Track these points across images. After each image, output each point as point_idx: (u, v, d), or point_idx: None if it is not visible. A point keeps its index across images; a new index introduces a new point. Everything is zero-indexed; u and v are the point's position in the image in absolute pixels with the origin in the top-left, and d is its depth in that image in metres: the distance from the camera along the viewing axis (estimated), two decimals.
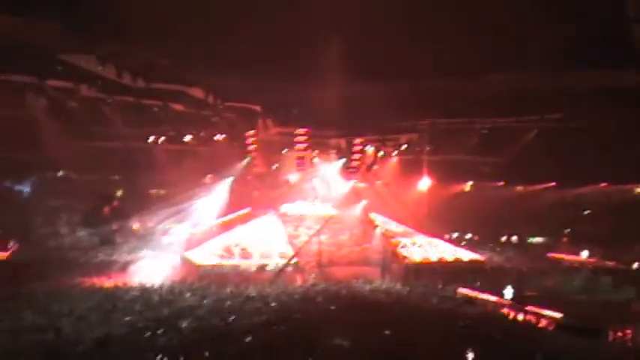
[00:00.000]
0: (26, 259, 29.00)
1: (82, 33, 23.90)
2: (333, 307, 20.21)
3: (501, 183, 43.46)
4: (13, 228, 32.86)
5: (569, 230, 39.50)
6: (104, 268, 27.48)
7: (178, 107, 32.12)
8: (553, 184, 41.56)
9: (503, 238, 40.45)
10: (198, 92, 30.44)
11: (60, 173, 38.06)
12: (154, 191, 38.02)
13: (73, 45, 25.14)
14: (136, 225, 36.32)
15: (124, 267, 27.65)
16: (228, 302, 20.75)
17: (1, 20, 22.03)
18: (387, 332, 16.10)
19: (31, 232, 33.19)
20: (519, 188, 43.63)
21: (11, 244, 30.92)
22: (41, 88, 28.35)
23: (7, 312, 17.91)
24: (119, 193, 37.73)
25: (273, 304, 20.51)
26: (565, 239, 38.20)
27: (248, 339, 15.19)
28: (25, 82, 28.26)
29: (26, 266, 27.15)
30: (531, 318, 18.72)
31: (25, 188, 37.18)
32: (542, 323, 18.21)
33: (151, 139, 35.21)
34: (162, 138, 35.03)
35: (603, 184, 40.23)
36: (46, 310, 18.42)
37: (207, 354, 13.57)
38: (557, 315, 18.38)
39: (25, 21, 22.53)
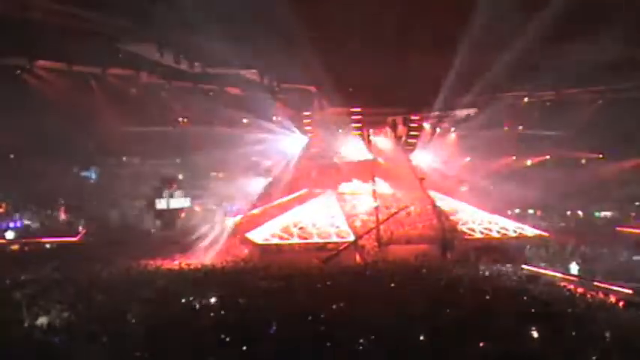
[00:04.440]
0: (95, 242, 30.14)
1: (144, 23, 24.34)
2: (392, 285, 20.14)
3: (565, 156, 42.16)
4: (81, 213, 34.20)
5: (638, 204, 38.01)
6: (168, 250, 28.15)
7: (234, 91, 32.41)
8: (620, 156, 39.96)
9: (569, 213, 39.34)
10: (253, 75, 30.57)
11: (123, 159, 39.31)
12: (213, 174, 38.71)
13: (134, 34, 25.63)
14: (197, 207, 37.18)
15: (187, 249, 28.28)
16: (288, 281, 20.96)
17: (70, 12, 22.59)
18: (448, 310, 15.92)
19: (98, 216, 34.46)
20: (584, 161, 42.22)
21: (80, 228, 32.21)
22: (103, 76, 29.13)
23: (78, 294, 18.60)
24: (180, 176, 38.66)
25: (330, 283, 20.59)
26: (634, 213, 36.78)
27: (309, 317, 15.30)
28: (89, 72, 29.09)
29: (95, 250, 28.22)
30: (599, 294, 18.12)
31: (91, 174, 38.61)
32: (611, 300, 17.60)
33: (209, 122, 35.72)
34: (220, 121, 35.48)
35: None
36: (112, 292, 18.98)
37: (269, 331, 13.75)
38: (627, 291, 17.75)
39: (94, 13, 23.06)
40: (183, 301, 17.67)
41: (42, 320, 15.03)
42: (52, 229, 32.50)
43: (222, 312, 16.11)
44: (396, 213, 31.33)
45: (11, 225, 31.88)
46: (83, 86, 29.49)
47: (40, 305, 16.26)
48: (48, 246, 29.62)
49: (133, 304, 16.92)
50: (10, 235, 30.25)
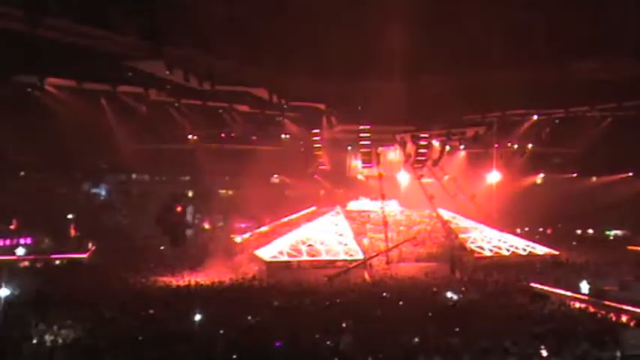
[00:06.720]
0: (104, 259, 30.20)
1: (153, 41, 24.51)
2: (401, 303, 19.99)
3: (575, 174, 41.92)
4: (91, 230, 34.31)
5: None
6: (176, 267, 28.13)
7: (243, 108, 32.53)
8: (630, 174, 39.63)
9: (579, 232, 39.05)
10: (262, 93, 30.66)
11: (133, 176, 39.58)
12: (222, 191, 38.84)
13: (143, 52, 25.80)
14: (206, 224, 37.25)
15: (196, 266, 28.25)
16: (297, 299, 20.86)
17: (80, 31, 22.77)
18: (456, 329, 15.77)
19: (107, 233, 34.54)
20: (594, 179, 41.94)
21: (90, 245, 32.27)
22: (113, 94, 29.36)
23: (88, 308, 18.60)
24: (189, 193, 38.81)
25: (339, 300, 20.48)
26: None
27: (317, 335, 15.19)
28: (99, 89, 29.34)
29: (104, 266, 28.28)
30: (610, 313, 17.90)
31: (102, 191, 38.87)
32: (622, 319, 17.37)
33: (218, 140, 35.89)
34: (229, 139, 35.66)
35: None
36: (122, 307, 18.98)
37: (277, 349, 13.68)
38: (638, 310, 17.52)
39: (104, 32, 23.23)
40: (194, 318, 17.59)
41: (49, 337, 15.01)
42: (62, 245, 32.59)
43: (231, 329, 16.02)
44: (405, 242, 31.21)
45: (22, 241, 31.96)
46: (93, 103, 29.73)
47: (48, 322, 16.23)
48: (58, 262, 29.70)
49: (141, 321, 16.94)
50: (20, 251, 30.33)
